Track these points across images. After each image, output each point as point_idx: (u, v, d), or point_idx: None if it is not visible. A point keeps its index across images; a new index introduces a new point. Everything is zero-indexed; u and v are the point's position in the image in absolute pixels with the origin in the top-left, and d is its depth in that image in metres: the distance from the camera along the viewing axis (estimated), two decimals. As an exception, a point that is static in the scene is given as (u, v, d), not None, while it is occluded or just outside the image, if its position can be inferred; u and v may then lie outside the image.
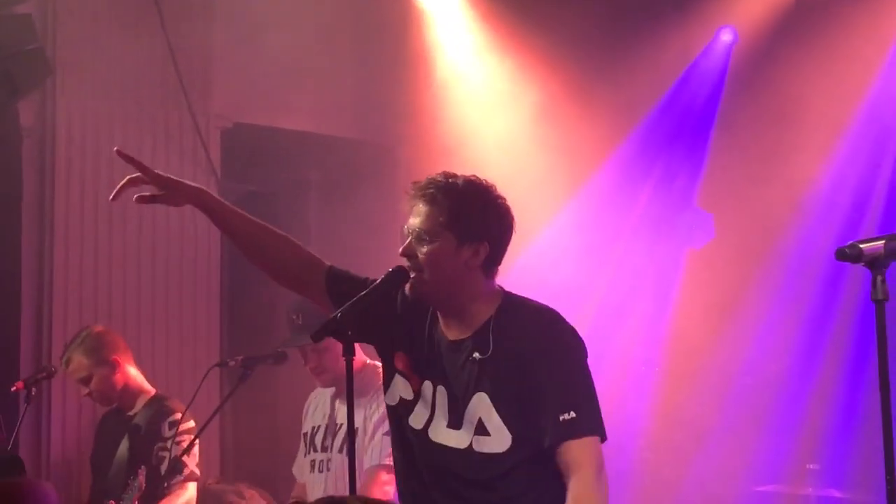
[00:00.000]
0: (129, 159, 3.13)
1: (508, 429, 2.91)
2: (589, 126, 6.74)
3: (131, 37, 6.08)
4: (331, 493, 4.82)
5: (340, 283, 3.31)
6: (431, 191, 3.02)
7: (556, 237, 6.81)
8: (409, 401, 3.11)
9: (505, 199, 3.09)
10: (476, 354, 2.99)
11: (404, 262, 3.00)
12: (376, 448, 4.75)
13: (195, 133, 6.30)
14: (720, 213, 6.73)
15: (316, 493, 4.86)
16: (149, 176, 3.09)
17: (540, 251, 6.72)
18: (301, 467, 5.00)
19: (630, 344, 6.49)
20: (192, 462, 5.06)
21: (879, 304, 2.36)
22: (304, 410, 5.09)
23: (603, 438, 2.91)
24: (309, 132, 6.94)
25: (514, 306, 3.06)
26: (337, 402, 4.97)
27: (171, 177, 3.15)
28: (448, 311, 3.08)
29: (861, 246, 2.37)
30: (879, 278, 2.36)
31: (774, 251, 6.47)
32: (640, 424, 6.53)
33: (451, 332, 3.05)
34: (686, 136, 7.15)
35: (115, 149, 3.20)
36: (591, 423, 2.91)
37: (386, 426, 4.39)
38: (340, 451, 4.83)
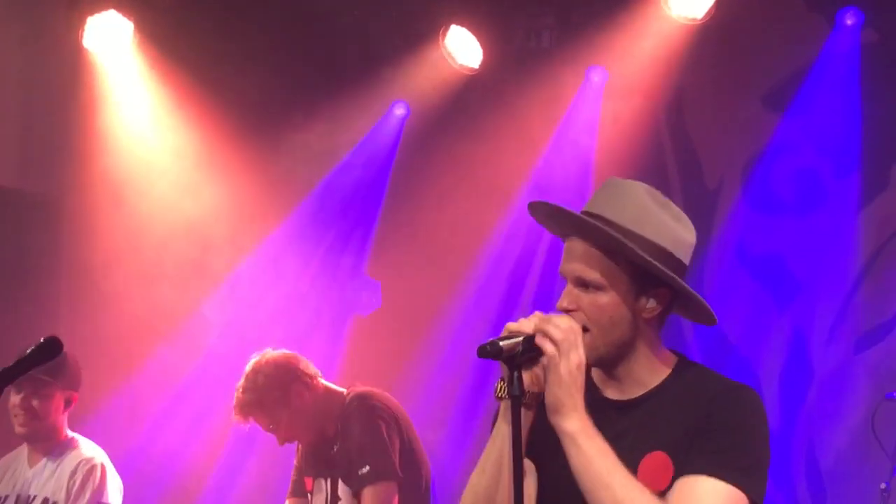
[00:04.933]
0: None
1: None
2: (262, 190, 6.91)
3: None
4: None
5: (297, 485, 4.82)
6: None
7: (227, 296, 6.96)
8: None
9: None
10: None
11: None
12: None
13: None
14: (387, 283, 6.95)
15: None
16: None
17: (213, 306, 6.94)
18: None
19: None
20: None
21: (516, 400, 2.42)
22: None
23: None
24: (-34, 179, 6.78)
25: None
26: (29, 469, 5.04)
27: None
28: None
29: (501, 343, 2.42)
30: (517, 374, 2.41)
31: (435, 329, 6.68)
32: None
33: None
34: (358, 206, 7.29)
35: None
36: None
37: None
38: None
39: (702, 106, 6.88)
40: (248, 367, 4.72)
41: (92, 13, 6.52)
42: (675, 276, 2.55)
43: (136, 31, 6.59)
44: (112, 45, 6.63)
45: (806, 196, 6.66)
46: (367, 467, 4.29)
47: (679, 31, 6.38)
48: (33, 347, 3.02)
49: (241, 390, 4.65)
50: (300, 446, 4.95)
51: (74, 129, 6.87)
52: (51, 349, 3.02)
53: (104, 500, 4.96)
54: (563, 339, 2.43)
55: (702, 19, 6.25)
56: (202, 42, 6.76)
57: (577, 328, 2.49)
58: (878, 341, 6.51)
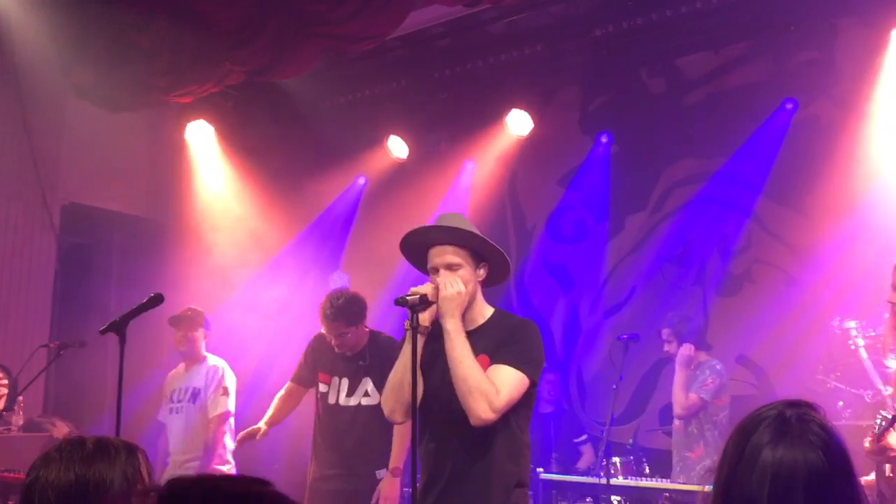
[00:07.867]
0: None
1: None
2: (280, 221, 8.43)
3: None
4: (183, 429, 5.86)
5: (303, 373, 5.11)
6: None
7: (254, 290, 8.33)
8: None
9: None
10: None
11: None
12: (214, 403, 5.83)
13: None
14: (353, 276, 8.29)
15: (176, 425, 6.02)
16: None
17: (249, 294, 8.25)
18: (164, 414, 6.21)
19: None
20: None
21: (414, 331, 3.20)
22: (166, 381, 6.26)
23: None
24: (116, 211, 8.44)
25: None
26: (186, 372, 6.03)
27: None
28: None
29: (407, 298, 3.23)
30: (415, 316, 3.22)
31: (384, 294, 7.44)
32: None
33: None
34: (335, 236, 8.76)
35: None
36: None
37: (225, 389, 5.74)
38: (190, 401, 6.08)
39: (525, 183, 8.52)
40: (337, 296, 5.15)
41: (189, 120, 8.26)
42: (500, 248, 3.30)
43: (215, 132, 8.29)
44: (201, 139, 8.30)
45: (579, 233, 8.20)
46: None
47: (515, 141, 7.98)
48: (144, 301, 4.08)
49: (332, 305, 5.06)
50: (312, 347, 5.37)
51: (179, 184, 8.40)
52: (155, 302, 4.09)
53: (224, 385, 6.01)
54: (445, 282, 3.27)
55: (526, 135, 7.89)
56: (250, 138, 8.30)
57: (457, 283, 3.22)
58: (615, 313, 8.03)
